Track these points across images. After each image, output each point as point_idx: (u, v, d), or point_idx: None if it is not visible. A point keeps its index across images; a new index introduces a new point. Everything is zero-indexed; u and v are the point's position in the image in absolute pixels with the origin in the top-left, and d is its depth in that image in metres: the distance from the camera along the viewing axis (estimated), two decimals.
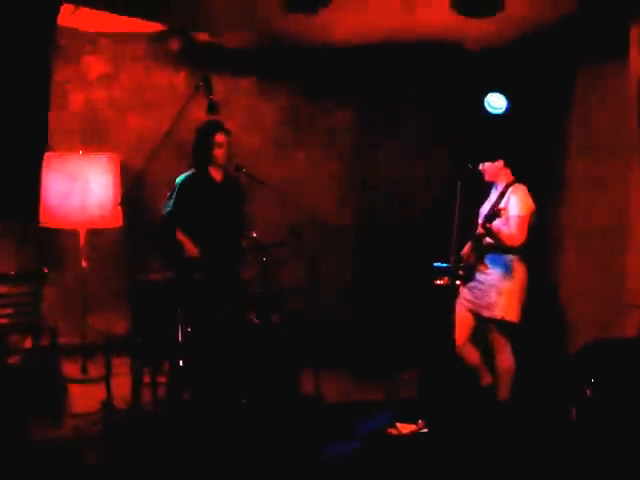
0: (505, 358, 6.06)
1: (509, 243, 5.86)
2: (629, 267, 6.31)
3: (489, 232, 5.83)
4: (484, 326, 6.14)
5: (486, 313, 6.03)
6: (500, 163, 6.04)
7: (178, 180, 6.21)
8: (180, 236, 6.08)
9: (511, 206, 5.89)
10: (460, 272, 6.12)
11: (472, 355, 6.22)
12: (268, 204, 7.18)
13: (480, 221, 6.06)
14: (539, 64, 7.09)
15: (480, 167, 6.09)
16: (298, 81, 7.87)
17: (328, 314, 7.55)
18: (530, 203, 5.93)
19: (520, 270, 5.98)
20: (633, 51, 6.12)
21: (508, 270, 5.95)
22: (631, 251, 6.30)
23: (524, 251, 5.96)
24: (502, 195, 6.01)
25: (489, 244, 5.97)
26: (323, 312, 7.43)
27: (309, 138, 8.05)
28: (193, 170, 6.24)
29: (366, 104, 8.05)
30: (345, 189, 8.14)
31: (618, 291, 6.39)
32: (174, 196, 6.17)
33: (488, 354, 6.22)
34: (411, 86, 7.84)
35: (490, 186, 6.23)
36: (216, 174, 6.27)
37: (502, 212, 5.76)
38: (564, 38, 6.70)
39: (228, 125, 6.36)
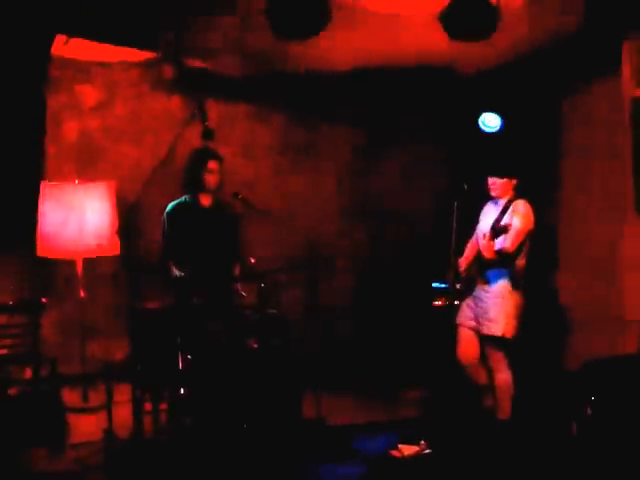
0: (504, 376, 6.06)
1: (503, 252, 5.89)
2: (627, 283, 6.34)
3: (498, 258, 5.89)
4: (484, 343, 6.16)
5: (486, 330, 6.04)
6: (514, 181, 6.06)
7: (167, 209, 6.25)
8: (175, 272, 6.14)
9: (513, 220, 5.90)
10: (457, 286, 6.16)
11: (481, 375, 6.22)
12: (265, 230, 7.20)
13: (481, 235, 6.07)
14: (532, 84, 7.14)
15: (490, 182, 6.09)
16: (293, 106, 7.88)
17: (328, 337, 7.57)
18: (531, 220, 5.94)
19: (520, 289, 6.00)
20: (625, 69, 6.17)
21: (510, 287, 5.97)
22: (629, 267, 6.33)
23: (523, 270, 6.00)
24: (505, 210, 6.02)
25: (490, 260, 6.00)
26: (324, 335, 7.46)
27: (305, 163, 8.06)
28: (182, 197, 6.28)
29: (361, 128, 8.09)
30: (343, 213, 8.17)
31: (618, 307, 6.42)
32: (163, 227, 6.22)
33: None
34: (406, 109, 7.87)
35: (484, 201, 6.27)
36: (205, 200, 6.28)
37: (509, 228, 5.78)
38: (556, 59, 6.76)
39: (223, 151, 6.39)
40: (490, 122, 6.52)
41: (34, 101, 6.61)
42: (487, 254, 5.92)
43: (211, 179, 6.20)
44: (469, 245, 6.33)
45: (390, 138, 8.13)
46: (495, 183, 6.08)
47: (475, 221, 6.33)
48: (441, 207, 6.48)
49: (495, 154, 6.40)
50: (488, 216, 6.19)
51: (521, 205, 5.98)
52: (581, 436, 5.27)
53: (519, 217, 5.90)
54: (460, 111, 7.25)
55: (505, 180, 6.05)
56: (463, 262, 6.22)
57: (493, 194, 6.13)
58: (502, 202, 6.08)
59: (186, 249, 6.17)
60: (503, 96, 6.95)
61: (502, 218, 5.98)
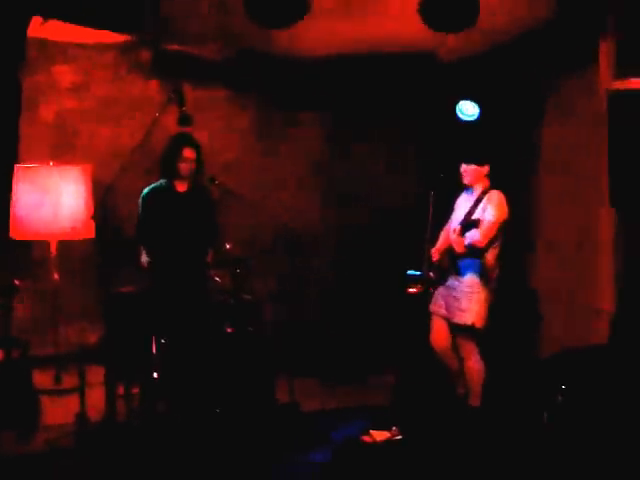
0: (474, 364, 6.10)
1: (474, 246, 5.91)
2: (599, 273, 6.37)
3: (469, 252, 5.91)
4: (455, 332, 6.19)
5: (456, 319, 6.08)
6: (486, 169, 6.07)
7: (142, 194, 6.27)
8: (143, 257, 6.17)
9: (487, 212, 5.93)
10: (430, 274, 6.18)
11: (453, 362, 6.26)
12: (241, 215, 7.19)
13: (454, 227, 6.11)
14: (511, 74, 7.16)
15: (462, 169, 6.11)
16: (270, 91, 7.86)
17: (302, 322, 7.58)
18: (505, 211, 5.96)
19: (492, 278, 6.04)
20: (602, 64, 6.19)
21: (481, 277, 6.00)
22: (601, 257, 6.36)
23: (495, 260, 6.03)
24: (479, 201, 6.03)
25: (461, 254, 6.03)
26: (298, 321, 7.47)
27: (282, 148, 8.05)
28: (158, 182, 6.29)
29: (338, 114, 8.08)
30: (318, 198, 8.17)
31: (588, 297, 6.45)
32: (139, 211, 6.24)
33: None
34: (383, 95, 7.88)
35: (460, 191, 6.28)
36: (180, 186, 6.29)
37: (479, 223, 5.80)
38: (534, 50, 6.78)
39: (200, 135, 6.38)
40: (468, 110, 6.53)
41: (9, 82, 6.53)
42: (457, 249, 5.94)
43: (185, 167, 6.19)
44: (442, 235, 6.34)
45: (367, 124, 8.13)
46: (466, 170, 6.10)
47: (449, 211, 6.35)
48: (419, 194, 6.49)
49: (466, 141, 6.43)
50: (462, 207, 6.21)
51: (495, 196, 5.99)
52: (551, 424, 5.32)
53: (493, 208, 5.91)
54: (439, 98, 7.26)
55: (475, 167, 6.06)
56: (436, 252, 6.23)
57: (465, 182, 6.14)
58: (476, 192, 6.10)
59: (159, 234, 6.19)
60: (482, 84, 6.96)
61: (476, 209, 6.00)
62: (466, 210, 6.10)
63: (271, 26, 5.84)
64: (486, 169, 6.06)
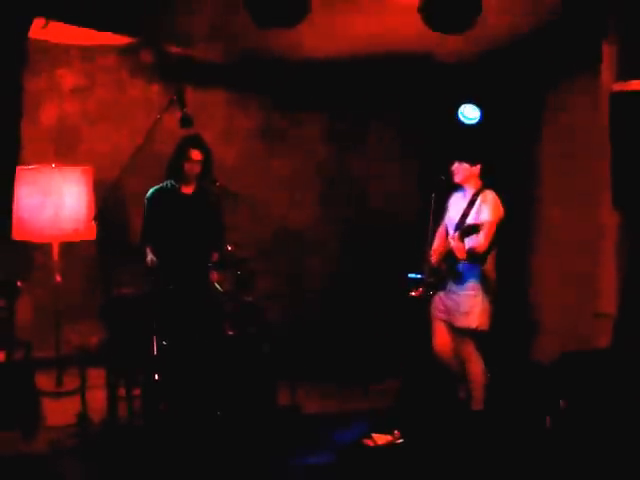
0: (477, 367, 6.09)
1: (476, 250, 5.88)
2: (601, 277, 6.36)
3: (471, 257, 5.87)
4: (456, 335, 6.17)
5: (459, 323, 6.05)
6: (477, 169, 6.04)
7: (147, 194, 6.27)
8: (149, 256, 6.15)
9: (482, 213, 5.90)
10: (431, 280, 6.16)
11: (456, 366, 6.24)
12: (243, 217, 7.19)
13: (448, 228, 6.10)
14: (512, 77, 7.16)
15: (453, 167, 6.08)
16: (271, 93, 7.87)
17: (304, 326, 7.57)
18: (500, 210, 5.93)
19: (492, 280, 6.01)
20: (605, 67, 6.17)
21: (482, 279, 5.98)
22: (602, 261, 6.35)
23: (493, 261, 6.01)
24: (472, 203, 6.00)
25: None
26: (299, 324, 7.46)
27: (283, 150, 8.04)
28: (164, 183, 6.28)
29: (340, 115, 8.09)
30: (319, 200, 8.18)
31: (591, 301, 6.44)
32: (144, 212, 6.24)
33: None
34: (384, 97, 7.88)
35: (454, 190, 6.25)
36: (186, 187, 6.29)
37: (481, 228, 5.74)
38: (535, 52, 6.78)
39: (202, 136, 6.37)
40: (469, 114, 6.53)
41: (11, 84, 6.53)
42: (459, 255, 5.88)
43: (191, 168, 6.18)
44: (437, 235, 6.30)
45: (368, 124, 8.14)
46: (457, 168, 6.06)
47: (444, 211, 6.32)
48: (420, 195, 6.47)
49: (460, 139, 6.41)
50: (454, 207, 6.18)
51: (489, 196, 5.97)
52: (555, 428, 5.31)
53: (488, 209, 5.88)
54: (438, 100, 7.26)
55: (467, 166, 6.03)
56: (434, 253, 6.20)
57: (456, 180, 6.10)
58: (469, 193, 6.06)
59: (163, 235, 6.18)
60: (482, 86, 6.96)
61: (470, 210, 5.97)
62: (460, 211, 6.07)
63: (271, 27, 5.82)
64: (477, 169, 6.03)
